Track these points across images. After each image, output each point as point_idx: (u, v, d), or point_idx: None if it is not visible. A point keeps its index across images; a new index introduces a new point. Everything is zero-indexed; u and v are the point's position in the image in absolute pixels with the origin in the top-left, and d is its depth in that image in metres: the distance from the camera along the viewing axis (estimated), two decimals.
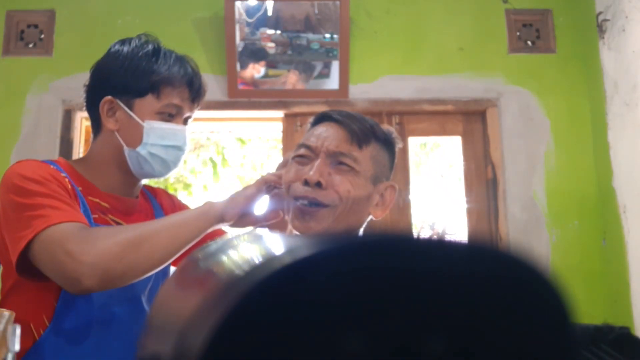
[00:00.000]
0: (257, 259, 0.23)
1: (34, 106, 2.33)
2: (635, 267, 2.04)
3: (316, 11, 2.32)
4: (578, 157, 2.35)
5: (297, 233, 0.90)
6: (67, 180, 1.00)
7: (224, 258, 0.26)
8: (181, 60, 1.09)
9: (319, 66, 2.38)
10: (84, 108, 1.12)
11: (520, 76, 2.41)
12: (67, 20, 2.42)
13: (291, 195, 0.91)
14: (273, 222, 1.00)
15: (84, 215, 0.96)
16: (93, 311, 0.99)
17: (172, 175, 2.89)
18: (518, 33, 2.46)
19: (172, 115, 1.07)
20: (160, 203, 1.20)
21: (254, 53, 2.35)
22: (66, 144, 2.32)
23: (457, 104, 2.40)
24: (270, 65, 2.38)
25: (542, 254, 2.25)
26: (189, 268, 0.30)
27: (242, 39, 2.34)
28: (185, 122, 1.10)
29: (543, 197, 2.31)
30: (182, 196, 4.05)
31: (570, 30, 2.45)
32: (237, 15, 2.31)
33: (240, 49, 2.34)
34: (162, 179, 1.48)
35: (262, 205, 1.00)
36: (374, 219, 0.95)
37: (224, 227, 1.04)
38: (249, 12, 2.33)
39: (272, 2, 2.32)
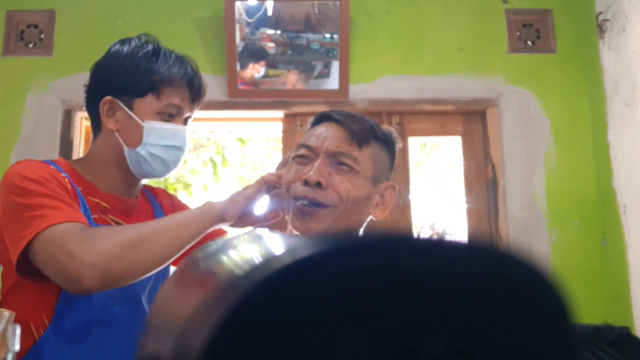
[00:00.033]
0: (257, 259, 0.23)
1: (34, 106, 2.33)
2: (635, 267, 2.04)
3: (316, 11, 2.32)
4: (578, 157, 2.35)
5: (297, 233, 0.90)
6: (67, 180, 1.00)
7: (224, 258, 0.26)
8: (181, 60, 1.09)
9: (319, 66, 2.38)
10: (84, 108, 1.12)
11: (520, 76, 2.41)
12: (67, 20, 2.42)
13: (291, 195, 0.91)
14: (273, 222, 1.00)
15: (84, 215, 0.96)
16: (93, 311, 0.99)
17: (172, 175, 2.89)
18: (518, 33, 2.46)
19: (172, 115, 1.07)
20: (160, 203, 1.20)
21: (254, 53, 2.36)
22: (66, 144, 2.32)
23: (457, 104, 2.40)
24: (270, 65, 2.38)
25: (542, 254, 2.25)
26: (189, 268, 0.30)
27: (242, 39, 2.34)
28: (185, 122, 1.10)
29: (543, 197, 2.31)
30: (182, 196, 4.05)
31: (570, 30, 2.45)
32: (237, 15, 2.31)
33: (240, 49, 2.34)
34: (162, 179, 1.48)
35: (262, 205, 1.00)
36: (374, 219, 0.95)
37: (224, 227, 1.04)
38: (249, 12, 2.33)
39: (272, 2, 2.32)
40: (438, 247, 0.24)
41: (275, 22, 2.34)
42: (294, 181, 0.91)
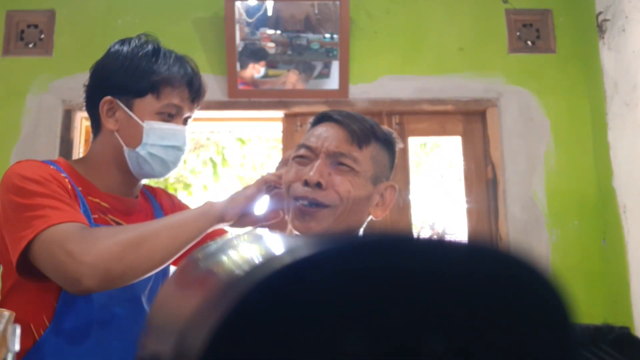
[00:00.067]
0: (257, 259, 0.23)
1: (34, 106, 2.33)
2: (635, 267, 2.04)
3: (316, 11, 2.32)
4: (578, 157, 2.35)
5: (297, 233, 0.90)
6: (67, 180, 1.00)
7: (224, 258, 0.26)
8: (181, 60, 1.09)
9: (319, 66, 2.38)
10: (84, 108, 1.12)
11: (520, 76, 2.41)
12: (67, 20, 2.42)
13: (291, 195, 0.91)
14: (273, 222, 1.00)
15: (84, 216, 0.96)
16: (93, 311, 0.99)
17: (172, 175, 2.89)
18: (518, 33, 2.46)
19: (171, 115, 1.07)
20: (160, 203, 1.20)
21: (254, 53, 2.36)
22: (66, 144, 2.32)
23: (457, 104, 2.40)
24: (270, 65, 2.38)
25: (542, 254, 2.25)
26: (189, 268, 0.30)
27: (242, 39, 2.34)
28: (185, 122, 1.10)
29: (543, 197, 2.31)
30: (182, 196, 4.05)
31: (570, 30, 2.45)
32: (237, 15, 2.31)
33: (240, 49, 2.34)
34: (162, 179, 1.48)
35: (262, 205, 1.00)
36: (374, 219, 0.95)
37: (224, 227, 1.04)
38: (249, 12, 2.33)
39: (272, 2, 2.32)
40: (438, 247, 0.24)
41: (275, 22, 2.34)
42: (294, 181, 0.91)
